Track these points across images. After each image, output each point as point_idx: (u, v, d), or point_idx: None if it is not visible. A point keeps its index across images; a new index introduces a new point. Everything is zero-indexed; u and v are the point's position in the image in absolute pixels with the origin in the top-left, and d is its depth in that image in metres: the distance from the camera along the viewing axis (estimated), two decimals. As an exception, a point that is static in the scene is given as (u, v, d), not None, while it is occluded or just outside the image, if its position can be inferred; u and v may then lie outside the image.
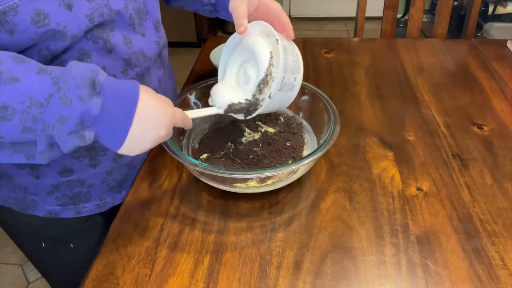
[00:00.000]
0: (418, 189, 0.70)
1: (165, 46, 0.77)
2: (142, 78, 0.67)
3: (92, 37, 0.57)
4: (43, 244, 0.76)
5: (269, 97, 0.61)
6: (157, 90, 0.67)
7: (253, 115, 0.64)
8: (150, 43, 0.68)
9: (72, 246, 0.77)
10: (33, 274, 1.61)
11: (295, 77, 0.64)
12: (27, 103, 0.44)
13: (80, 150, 0.65)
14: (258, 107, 0.63)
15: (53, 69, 0.47)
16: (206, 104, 0.81)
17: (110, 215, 0.76)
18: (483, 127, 0.84)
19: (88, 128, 0.48)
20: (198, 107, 0.80)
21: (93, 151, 0.66)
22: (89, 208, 0.73)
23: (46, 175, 0.65)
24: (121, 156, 0.69)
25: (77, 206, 0.71)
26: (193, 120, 0.79)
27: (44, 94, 0.45)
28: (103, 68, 0.60)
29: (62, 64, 0.54)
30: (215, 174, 0.62)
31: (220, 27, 3.28)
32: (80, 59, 0.56)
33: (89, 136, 0.48)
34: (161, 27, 0.73)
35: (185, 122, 0.59)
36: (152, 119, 0.52)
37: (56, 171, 0.65)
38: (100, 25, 0.57)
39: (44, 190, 0.67)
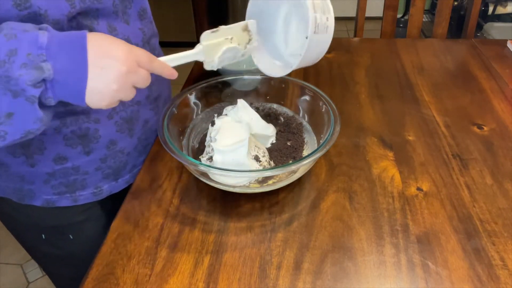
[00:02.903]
0: (418, 189, 0.70)
1: (154, 35, 0.77)
2: None
3: (77, 26, 0.57)
4: (43, 235, 0.77)
5: (306, 37, 0.59)
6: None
7: (296, 64, 0.62)
8: (134, 30, 0.69)
9: (71, 237, 0.77)
10: (33, 274, 1.61)
11: (327, 17, 0.60)
12: None
13: (73, 138, 0.65)
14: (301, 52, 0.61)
15: None
16: (206, 104, 0.81)
17: (107, 207, 0.77)
18: (483, 127, 0.84)
19: (43, 61, 0.47)
20: (198, 107, 0.80)
21: (85, 138, 0.66)
22: (85, 196, 0.73)
23: (41, 163, 0.66)
24: (114, 143, 0.70)
25: (73, 194, 0.72)
26: (194, 120, 0.79)
27: None
28: None
29: None
30: (215, 174, 0.61)
31: (220, 27, 3.27)
32: None
33: (47, 67, 0.47)
34: (148, 16, 0.73)
35: (152, 62, 0.55)
36: (106, 51, 0.51)
37: (51, 158, 0.66)
38: (83, 13, 0.58)
39: (40, 178, 0.68)
